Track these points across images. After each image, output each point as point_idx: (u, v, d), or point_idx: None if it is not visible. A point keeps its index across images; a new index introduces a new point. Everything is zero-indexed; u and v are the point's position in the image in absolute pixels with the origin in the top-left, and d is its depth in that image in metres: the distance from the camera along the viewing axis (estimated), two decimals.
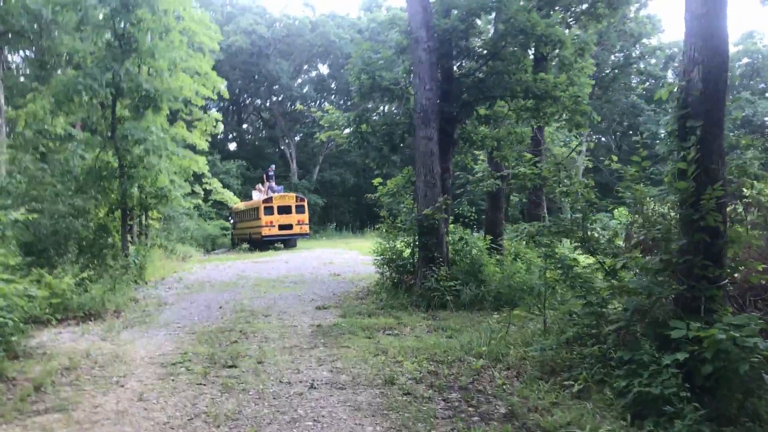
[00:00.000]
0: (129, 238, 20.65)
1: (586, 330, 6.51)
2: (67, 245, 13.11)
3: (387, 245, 13.27)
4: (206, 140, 26.27)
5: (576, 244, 7.35)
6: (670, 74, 56.05)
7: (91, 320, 10.50)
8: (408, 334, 8.94)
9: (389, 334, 8.97)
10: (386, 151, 13.18)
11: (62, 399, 5.88)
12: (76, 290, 11.06)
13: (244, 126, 58.73)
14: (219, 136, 54.84)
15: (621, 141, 54.97)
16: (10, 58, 21.54)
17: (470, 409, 5.54)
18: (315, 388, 6.20)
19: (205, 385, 6.36)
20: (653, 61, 51.48)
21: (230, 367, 7.06)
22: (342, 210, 54.09)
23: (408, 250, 12.96)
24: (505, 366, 6.84)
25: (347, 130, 14.78)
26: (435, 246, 11.59)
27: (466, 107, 12.63)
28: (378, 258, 13.53)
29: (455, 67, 13.12)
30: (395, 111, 13.43)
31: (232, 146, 57.06)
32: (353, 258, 23.51)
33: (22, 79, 21.06)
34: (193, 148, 27.35)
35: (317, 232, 43.23)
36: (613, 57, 46.29)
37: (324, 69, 56.96)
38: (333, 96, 56.75)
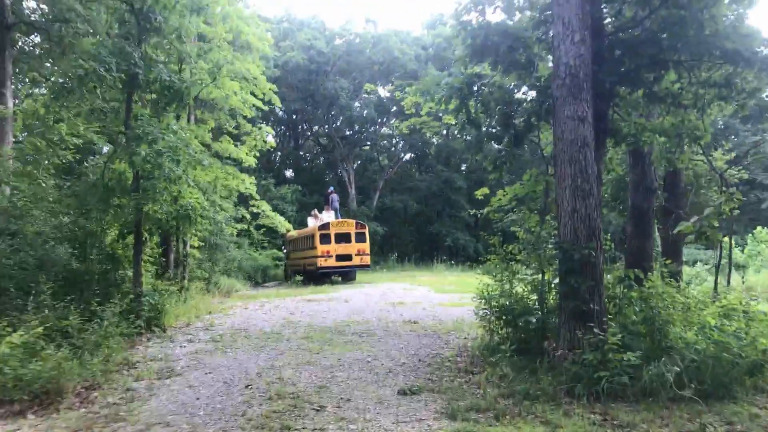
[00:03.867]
0: (156, 270, 16.97)
1: None
2: (39, 282, 9.09)
3: (499, 287, 8.87)
4: (254, 156, 22.58)
5: None
6: None
7: (35, 408, 6.46)
8: None
9: None
10: (506, 142, 8.77)
11: None
12: (25, 355, 7.06)
13: (301, 153, 55.32)
14: (276, 163, 51.98)
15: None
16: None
17: None
18: None
19: None
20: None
21: None
22: (404, 240, 49.74)
23: (533, 296, 8.53)
24: None
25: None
26: (590, 292, 7.13)
27: (627, 77, 8.21)
28: (483, 308, 9.13)
29: (607, 16, 8.72)
30: (516, 86, 9.02)
31: (289, 173, 53.78)
32: (425, 296, 19.10)
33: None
34: (243, 167, 23.91)
35: (377, 264, 38.90)
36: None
37: (384, 92, 53.33)
38: (394, 119, 52.97)
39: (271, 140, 23.49)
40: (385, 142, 54.59)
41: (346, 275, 27.80)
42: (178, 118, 19.49)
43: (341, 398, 6.74)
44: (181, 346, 10.42)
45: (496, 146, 8.80)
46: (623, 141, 9.46)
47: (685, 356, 6.81)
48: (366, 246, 27.54)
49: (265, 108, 23.30)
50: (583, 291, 7.07)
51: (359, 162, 53.17)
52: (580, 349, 6.84)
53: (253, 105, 22.35)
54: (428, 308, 15.72)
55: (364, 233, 27.68)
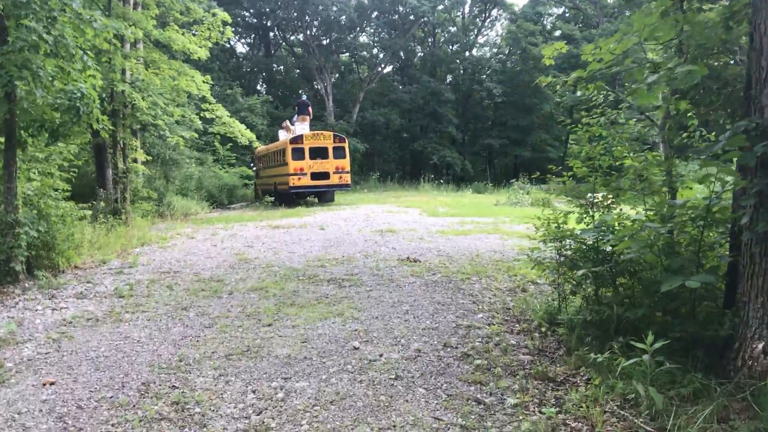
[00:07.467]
0: (70, 190, 12.96)
1: None
2: None
3: (587, 220, 5.01)
4: (207, 47, 18.05)
5: None
6: None
7: None
8: None
9: None
10: None
11: None
12: None
13: (275, 65, 49.79)
14: (245, 73, 46.81)
15: None
16: None
17: None
18: None
19: None
20: None
21: None
22: (386, 157, 45.67)
23: (661, 229, 4.67)
24: None
25: None
26: None
27: None
28: (547, 254, 5.29)
29: None
30: None
31: (260, 86, 48.82)
32: (418, 222, 15.27)
33: None
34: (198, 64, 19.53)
35: (357, 184, 34.87)
36: None
37: None
38: (373, 26, 47.57)
39: (229, 31, 18.72)
40: (365, 52, 49.47)
41: (323, 196, 23.91)
42: (109, 2, 15.01)
43: None
44: (54, 309, 6.49)
45: None
46: None
47: None
48: (346, 162, 23.48)
49: None
50: None
51: (337, 75, 48.24)
52: None
53: None
54: (426, 238, 11.97)
55: (343, 148, 23.56)
